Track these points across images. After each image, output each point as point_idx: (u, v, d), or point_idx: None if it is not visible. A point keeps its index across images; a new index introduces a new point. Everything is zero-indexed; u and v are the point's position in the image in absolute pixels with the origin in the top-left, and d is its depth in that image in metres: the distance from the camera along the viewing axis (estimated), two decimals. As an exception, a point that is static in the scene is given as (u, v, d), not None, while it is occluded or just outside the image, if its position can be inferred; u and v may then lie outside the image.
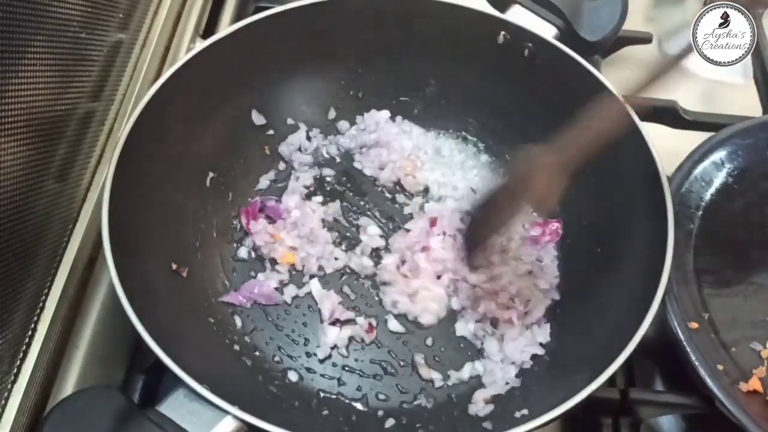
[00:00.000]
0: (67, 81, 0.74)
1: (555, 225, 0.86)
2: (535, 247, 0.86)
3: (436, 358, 0.79)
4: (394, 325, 0.81)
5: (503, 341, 0.79)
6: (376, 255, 0.86)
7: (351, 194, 0.91)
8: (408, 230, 0.87)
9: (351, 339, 0.80)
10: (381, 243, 0.86)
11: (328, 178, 0.92)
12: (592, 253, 0.81)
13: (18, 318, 0.68)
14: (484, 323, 0.80)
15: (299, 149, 0.92)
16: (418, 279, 0.82)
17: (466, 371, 0.78)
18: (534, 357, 0.78)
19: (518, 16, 0.87)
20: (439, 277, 0.83)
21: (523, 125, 0.90)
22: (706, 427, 0.79)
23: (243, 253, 0.86)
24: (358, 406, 0.76)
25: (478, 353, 0.79)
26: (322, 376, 0.78)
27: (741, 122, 0.90)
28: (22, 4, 0.64)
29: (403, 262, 0.84)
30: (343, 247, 0.86)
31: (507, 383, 0.76)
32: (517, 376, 0.77)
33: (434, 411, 0.76)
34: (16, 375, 0.68)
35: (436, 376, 0.78)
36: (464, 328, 0.80)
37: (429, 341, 0.80)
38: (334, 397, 0.76)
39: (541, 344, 0.79)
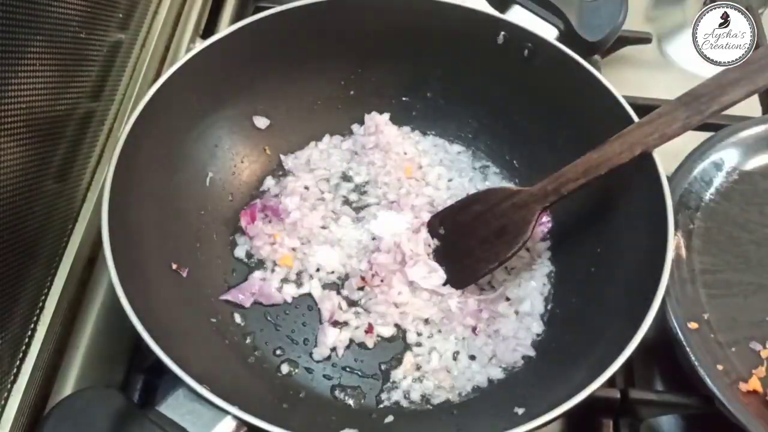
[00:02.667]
0: (67, 81, 0.74)
1: (544, 217, 0.86)
2: (528, 243, 0.86)
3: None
4: (388, 330, 0.81)
5: (497, 337, 0.79)
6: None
7: (350, 195, 0.91)
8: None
9: (351, 340, 0.80)
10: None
11: (328, 180, 0.92)
12: (591, 253, 0.81)
13: (18, 318, 0.68)
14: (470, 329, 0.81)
15: (305, 162, 0.93)
16: (393, 288, 0.82)
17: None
18: (525, 357, 0.79)
19: (518, 16, 0.87)
20: (412, 283, 0.82)
21: (523, 125, 0.90)
22: (706, 427, 0.79)
23: (243, 253, 0.86)
24: (358, 405, 0.76)
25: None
26: (322, 376, 0.78)
27: (741, 122, 0.90)
28: (22, 4, 0.64)
29: (373, 275, 0.83)
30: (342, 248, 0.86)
31: (490, 380, 0.77)
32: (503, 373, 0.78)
33: (435, 410, 0.76)
34: (16, 375, 0.68)
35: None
36: (446, 344, 0.80)
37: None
38: (333, 396, 0.76)
39: (534, 344, 0.79)
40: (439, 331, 0.81)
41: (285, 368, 0.78)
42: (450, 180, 0.92)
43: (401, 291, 0.81)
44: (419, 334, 0.80)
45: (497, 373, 0.78)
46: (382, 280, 0.82)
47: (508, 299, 0.82)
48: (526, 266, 0.85)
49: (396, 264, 0.83)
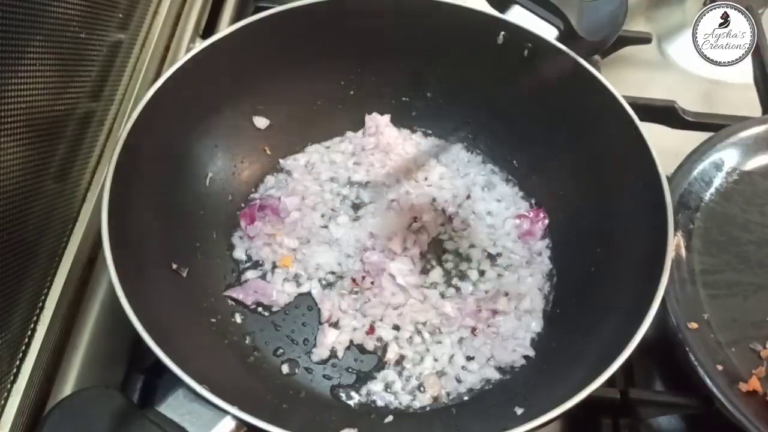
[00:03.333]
0: (67, 81, 0.74)
1: (540, 213, 0.86)
2: (529, 242, 0.86)
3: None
4: (387, 333, 0.80)
5: (496, 337, 0.79)
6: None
7: (351, 195, 0.91)
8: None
9: (350, 341, 0.80)
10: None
11: (328, 180, 0.92)
12: (591, 253, 0.81)
13: (17, 318, 0.68)
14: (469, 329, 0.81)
15: (305, 163, 0.93)
16: (384, 289, 0.82)
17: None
18: (526, 358, 0.79)
19: (518, 16, 0.87)
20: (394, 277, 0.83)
21: (523, 125, 0.90)
22: (706, 427, 0.79)
23: (242, 253, 0.86)
24: (358, 405, 0.76)
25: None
26: (322, 376, 0.78)
27: (741, 122, 0.90)
28: (22, 4, 0.64)
29: (363, 277, 0.83)
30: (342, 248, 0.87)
31: (486, 380, 0.78)
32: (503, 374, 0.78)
33: (434, 410, 0.76)
34: (16, 375, 0.68)
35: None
36: (441, 348, 0.80)
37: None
38: (333, 396, 0.76)
39: (534, 344, 0.79)
40: (438, 332, 0.80)
41: (285, 368, 0.78)
42: (452, 179, 0.92)
43: (394, 292, 0.81)
44: (417, 336, 0.80)
45: (496, 374, 0.78)
46: (372, 282, 0.82)
47: (506, 294, 0.82)
48: (525, 264, 0.85)
49: (387, 262, 0.83)
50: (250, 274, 0.84)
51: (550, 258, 0.86)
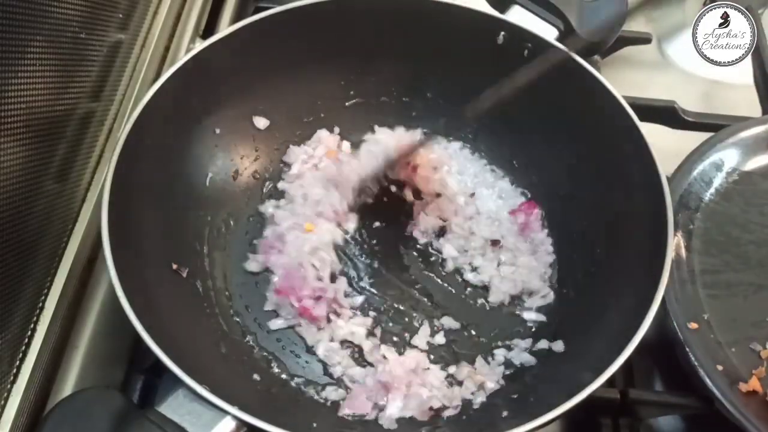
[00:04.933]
0: (67, 81, 0.74)
1: (532, 204, 0.87)
2: (528, 235, 0.86)
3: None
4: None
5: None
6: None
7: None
8: None
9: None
10: None
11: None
12: (591, 253, 0.81)
13: (17, 318, 0.68)
14: None
15: (302, 160, 0.93)
16: None
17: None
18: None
19: (518, 16, 0.87)
20: None
21: (523, 125, 0.90)
22: (706, 427, 0.79)
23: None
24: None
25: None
26: (323, 376, 0.77)
27: (741, 122, 0.90)
28: (22, 4, 0.64)
29: None
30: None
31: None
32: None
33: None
34: (16, 375, 0.68)
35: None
36: None
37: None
38: (334, 398, 0.76)
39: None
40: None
41: (286, 369, 0.78)
42: (456, 177, 0.92)
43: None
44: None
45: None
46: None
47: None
48: (525, 263, 0.85)
49: None
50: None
51: (553, 245, 0.86)
